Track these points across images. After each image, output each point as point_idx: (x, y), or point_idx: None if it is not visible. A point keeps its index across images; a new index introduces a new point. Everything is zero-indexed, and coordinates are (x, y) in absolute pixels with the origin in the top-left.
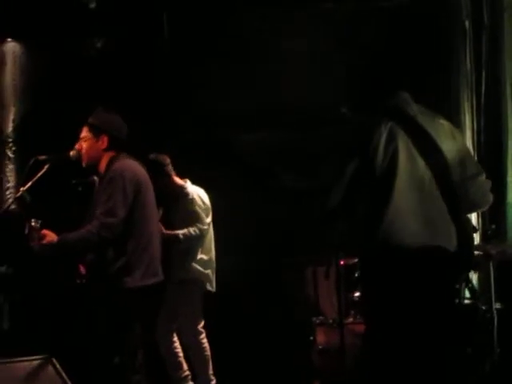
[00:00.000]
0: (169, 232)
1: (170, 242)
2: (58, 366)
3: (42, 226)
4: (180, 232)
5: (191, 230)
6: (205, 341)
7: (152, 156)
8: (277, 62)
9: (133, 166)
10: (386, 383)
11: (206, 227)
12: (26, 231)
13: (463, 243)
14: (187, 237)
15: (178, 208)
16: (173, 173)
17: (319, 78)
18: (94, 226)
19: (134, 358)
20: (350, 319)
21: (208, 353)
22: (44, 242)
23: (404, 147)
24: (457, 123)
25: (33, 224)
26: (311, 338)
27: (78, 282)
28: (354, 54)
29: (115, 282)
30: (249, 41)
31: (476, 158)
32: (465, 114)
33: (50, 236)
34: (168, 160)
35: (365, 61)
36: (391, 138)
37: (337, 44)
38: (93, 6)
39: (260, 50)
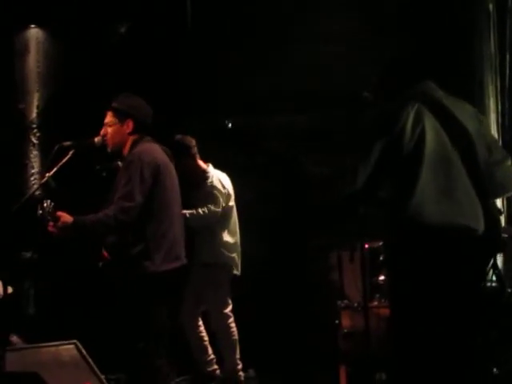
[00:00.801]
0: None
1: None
2: (83, 350)
3: (56, 208)
4: (187, 211)
5: (200, 210)
6: (233, 325)
7: (178, 137)
8: (300, 45)
9: (152, 150)
10: (412, 366)
11: (218, 209)
12: (39, 213)
13: (490, 225)
14: (194, 216)
15: (199, 192)
16: (197, 156)
17: (344, 62)
18: (111, 210)
19: (158, 342)
20: (375, 303)
21: (236, 337)
22: (59, 223)
23: (431, 128)
24: (481, 107)
25: (45, 205)
26: (336, 321)
27: (100, 265)
28: (380, 39)
29: (135, 266)
30: (272, 24)
31: (500, 142)
32: (489, 98)
33: (65, 217)
34: (194, 142)
35: (390, 45)
36: (418, 120)
37: (362, 27)
38: None
39: (283, 33)
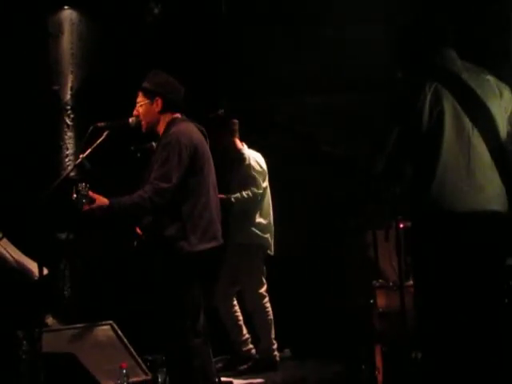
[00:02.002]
0: (221, 195)
1: (223, 206)
2: (119, 331)
3: (91, 190)
4: (233, 196)
5: (244, 193)
6: (268, 305)
7: (219, 112)
8: (325, 26)
9: (189, 130)
10: (441, 347)
11: (260, 191)
12: (74, 195)
13: None
14: (239, 200)
15: (236, 171)
16: (236, 135)
17: (367, 43)
18: (145, 191)
19: (196, 321)
20: (410, 282)
21: (271, 317)
22: (94, 206)
23: (450, 108)
24: (508, 77)
25: (80, 188)
26: (371, 301)
27: (135, 245)
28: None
29: (171, 246)
30: (297, 6)
31: None
32: None
33: (100, 200)
34: (235, 120)
35: (414, 18)
36: (436, 99)
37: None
38: None
39: (308, 15)
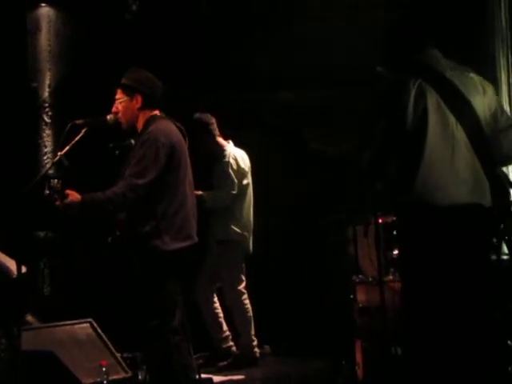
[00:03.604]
0: (196, 192)
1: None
2: (98, 329)
3: (64, 186)
4: (205, 193)
5: (218, 192)
6: (247, 302)
7: (197, 115)
8: (307, 23)
9: (168, 129)
10: (426, 341)
11: (234, 191)
12: (47, 191)
13: (498, 197)
14: (211, 198)
15: (215, 168)
16: (217, 133)
17: (350, 38)
18: (119, 187)
19: (172, 319)
20: (390, 277)
21: (250, 313)
22: (66, 201)
23: (433, 104)
24: (492, 79)
25: (52, 184)
26: (351, 296)
27: (110, 240)
28: (389, 12)
29: (145, 244)
30: (281, 2)
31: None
32: (500, 70)
33: (73, 195)
34: (213, 120)
35: (399, 17)
36: (420, 96)
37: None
38: None
39: (289, 10)
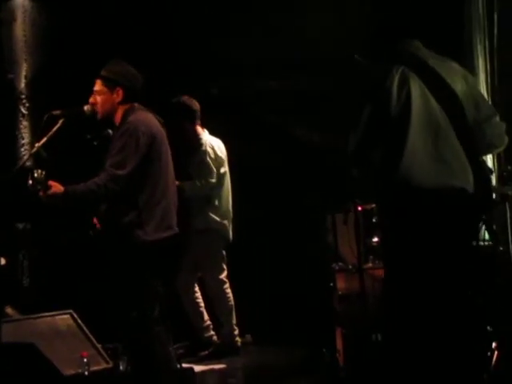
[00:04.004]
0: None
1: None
2: (79, 320)
3: (47, 177)
4: (185, 183)
5: (197, 181)
6: (228, 291)
7: (184, 98)
8: (288, 11)
9: (147, 119)
10: (406, 327)
11: (213, 180)
12: (30, 182)
13: (481, 184)
14: (191, 188)
15: (193, 158)
16: (198, 121)
17: (332, 26)
18: (100, 179)
19: (153, 309)
20: (369, 264)
21: (232, 303)
22: (49, 192)
23: (417, 90)
24: (470, 66)
25: (36, 175)
26: (331, 284)
27: (92, 234)
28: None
29: (127, 235)
30: None
31: (490, 101)
32: (478, 57)
33: (56, 187)
34: (198, 106)
35: (377, 6)
36: (404, 82)
37: None
38: None
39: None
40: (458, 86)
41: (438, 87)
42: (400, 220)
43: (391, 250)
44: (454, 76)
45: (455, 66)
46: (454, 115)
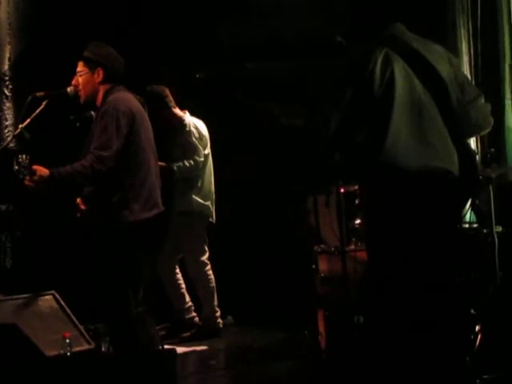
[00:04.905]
0: (162, 164)
1: (164, 174)
2: (61, 301)
3: (32, 162)
4: (175, 164)
5: (186, 162)
6: (210, 272)
7: (149, 87)
8: None
9: (126, 98)
10: (389, 308)
11: (202, 159)
12: (15, 167)
13: (466, 166)
14: (181, 169)
15: (177, 139)
16: (173, 104)
17: (315, 10)
18: (87, 160)
19: (137, 290)
20: (352, 247)
21: (213, 284)
22: (35, 177)
23: (400, 71)
24: (454, 49)
25: (20, 160)
26: (313, 266)
27: (78, 215)
28: None
29: (113, 215)
30: None
31: (474, 83)
32: (461, 40)
33: (41, 171)
34: (167, 91)
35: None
36: (387, 63)
37: None
38: None
39: None
40: (443, 68)
41: (422, 69)
42: (383, 201)
43: (373, 232)
44: (439, 58)
45: (439, 48)
46: (438, 97)
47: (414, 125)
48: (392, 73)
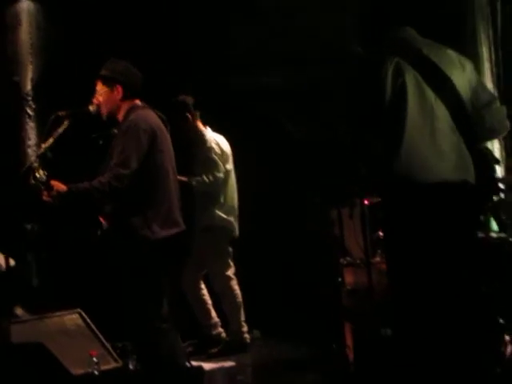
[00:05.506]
0: (181, 178)
1: (184, 189)
2: (87, 319)
3: (49, 177)
4: (194, 179)
5: (205, 177)
6: (236, 287)
7: (175, 98)
8: (281, 4)
9: (148, 116)
10: (414, 321)
11: (221, 175)
12: (32, 182)
13: (482, 172)
14: (200, 184)
15: (197, 155)
16: (196, 117)
17: (327, 19)
18: (105, 177)
19: (160, 307)
20: (377, 258)
21: (239, 299)
22: (53, 192)
23: (412, 82)
24: (474, 56)
25: (37, 175)
26: (339, 279)
27: (99, 233)
28: None
29: (134, 234)
30: None
31: (496, 90)
32: (482, 47)
33: (59, 186)
34: (192, 101)
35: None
36: (398, 74)
37: None
38: None
39: None
40: (455, 74)
41: (434, 77)
42: (400, 215)
43: (392, 246)
44: (450, 64)
45: (451, 53)
46: (451, 104)
47: (427, 137)
48: (403, 84)
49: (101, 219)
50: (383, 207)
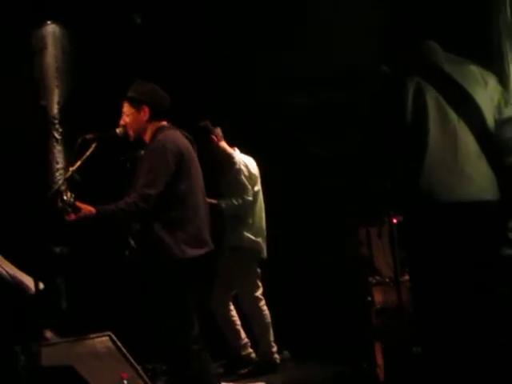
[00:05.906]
0: (211, 200)
1: (213, 211)
2: (117, 341)
3: (76, 199)
4: (223, 202)
5: (234, 200)
6: (265, 308)
7: (201, 123)
8: (304, 23)
9: (175, 137)
10: (442, 339)
11: (250, 198)
12: (59, 205)
13: (507, 188)
14: (229, 206)
15: (226, 176)
16: (222, 140)
17: (352, 38)
18: (131, 198)
19: (191, 328)
20: (406, 277)
21: (268, 319)
22: (80, 214)
23: (433, 102)
24: (501, 72)
25: (65, 197)
26: (369, 298)
27: (127, 253)
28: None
29: (164, 254)
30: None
31: None
32: (508, 64)
33: (86, 208)
34: (218, 128)
35: (399, 11)
36: (419, 94)
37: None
38: None
39: (288, 11)
40: (477, 92)
41: (456, 96)
42: (422, 234)
43: (416, 265)
44: (473, 80)
45: (474, 68)
46: (474, 123)
47: (450, 157)
48: (424, 105)
49: (129, 239)
50: (407, 226)
